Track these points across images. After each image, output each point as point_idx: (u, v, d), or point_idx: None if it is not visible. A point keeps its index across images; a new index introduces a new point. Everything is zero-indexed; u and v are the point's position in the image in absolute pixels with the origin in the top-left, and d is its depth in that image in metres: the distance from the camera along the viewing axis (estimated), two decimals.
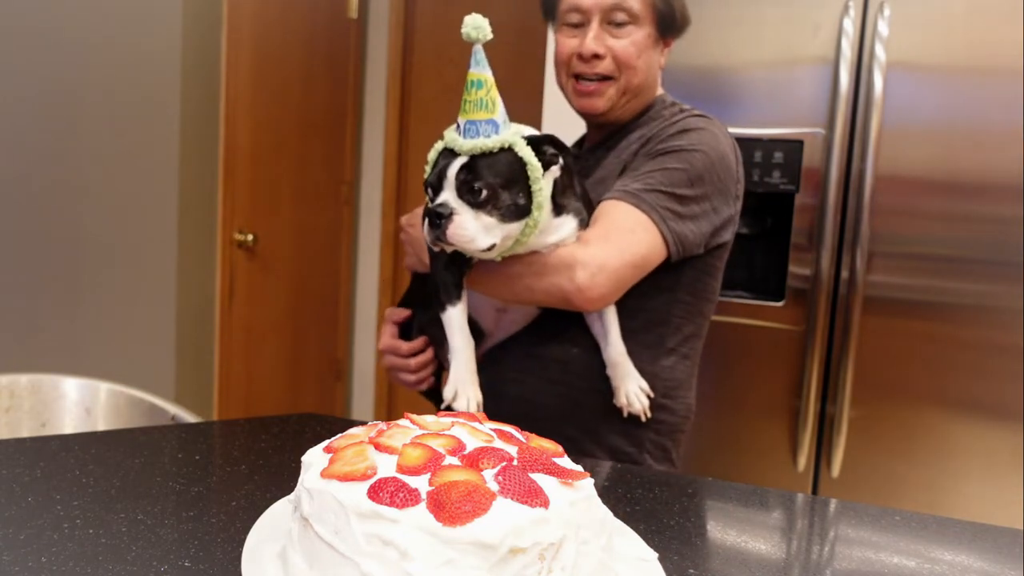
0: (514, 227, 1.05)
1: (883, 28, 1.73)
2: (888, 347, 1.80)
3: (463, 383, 1.12)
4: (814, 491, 1.87)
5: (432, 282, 1.17)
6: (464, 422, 0.70)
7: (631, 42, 1.21)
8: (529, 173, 1.04)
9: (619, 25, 1.21)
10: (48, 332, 2.14)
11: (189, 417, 1.32)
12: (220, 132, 2.63)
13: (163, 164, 2.39)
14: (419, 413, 0.73)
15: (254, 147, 2.79)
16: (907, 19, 1.74)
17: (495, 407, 1.19)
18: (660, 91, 1.33)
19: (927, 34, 1.74)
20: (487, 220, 1.02)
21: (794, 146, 1.83)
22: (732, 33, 1.87)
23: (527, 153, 1.04)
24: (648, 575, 0.68)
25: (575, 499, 0.61)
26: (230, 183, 2.68)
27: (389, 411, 3.41)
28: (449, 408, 1.12)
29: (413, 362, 1.32)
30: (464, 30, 1.01)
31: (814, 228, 1.83)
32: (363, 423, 0.74)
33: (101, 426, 1.41)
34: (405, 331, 1.35)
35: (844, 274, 1.81)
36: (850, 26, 1.76)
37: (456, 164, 1.02)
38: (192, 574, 0.68)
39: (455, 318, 1.14)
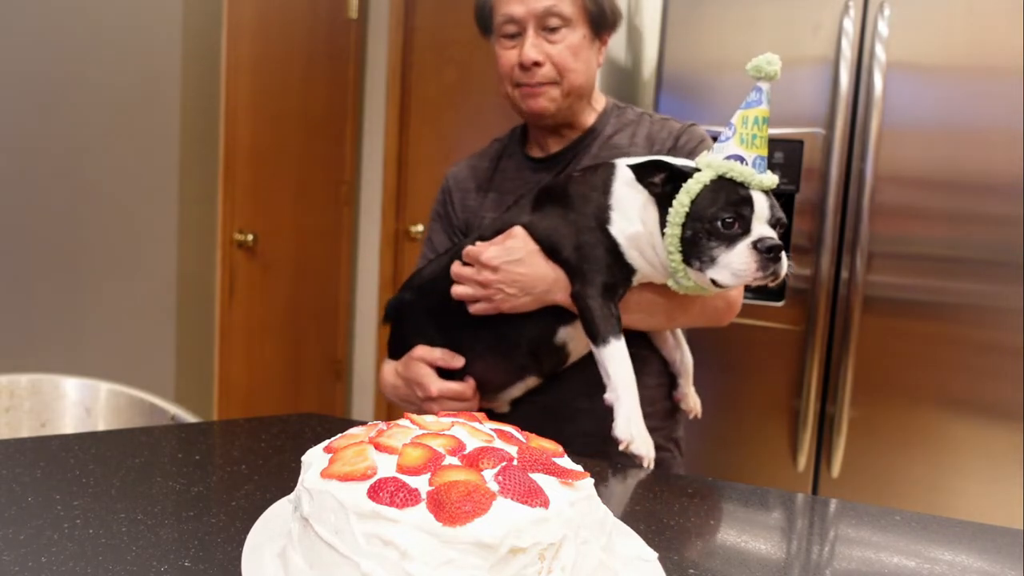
0: None
1: (883, 28, 1.73)
2: (888, 347, 1.80)
3: (636, 423, 1.08)
4: (814, 491, 1.87)
5: (587, 312, 1.10)
6: (464, 422, 0.70)
7: (567, 46, 1.22)
8: None
9: (553, 30, 1.22)
10: (48, 332, 2.14)
11: (189, 417, 1.32)
12: (220, 132, 2.63)
13: (163, 164, 2.39)
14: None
15: (254, 147, 2.79)
16: (907, 19, 1.74)
17: (570, 426, 1.20)
18: (603, 96, 1.35)
19: (927, 34, 1.74)
20: None
21: (794, 146, 1.84)
22: (731, 33, 1.87)
23: None
24: (648, 575, 0.68)
25: (575, 499, 0.61)
26: (230, 183, 2.68)
27: (389, 411, 3.41)
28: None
29: (476, 403, 1.24)
30: (771, 68, 1.02)
31: (814, 228, 1.83)
32: (363, 423, 0.74)
33: (101, 426, 1.41)
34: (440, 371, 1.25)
35: (844, 274, 1.81)
36: (850, 26, 1.76)
37: (763, 198, 1.02)
38: (192, 574, 0.68)
39: (621, 351, 1.09)
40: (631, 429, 1.06)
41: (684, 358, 1.28)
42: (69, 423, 1.41)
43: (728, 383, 1.94)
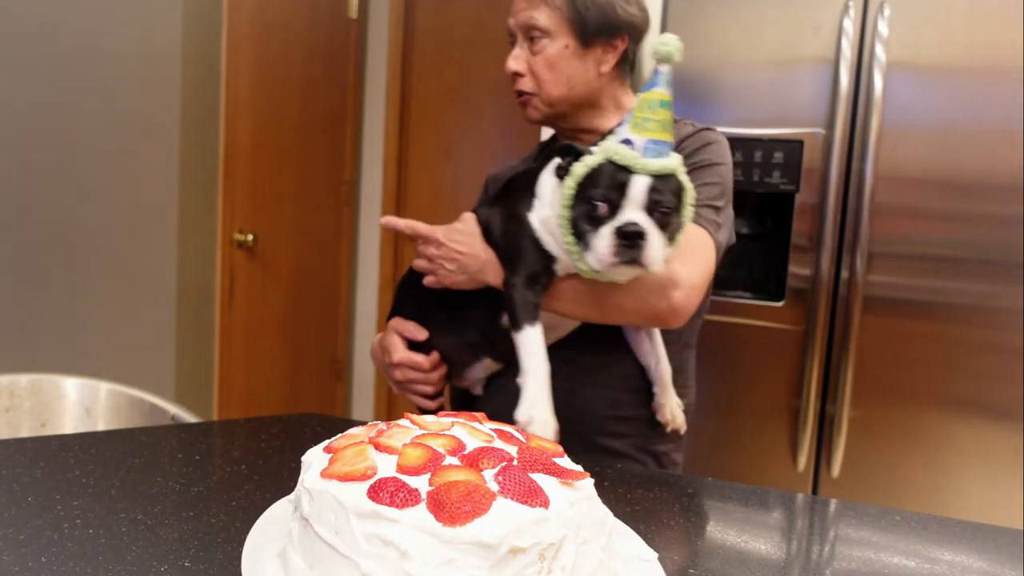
0: (669, 250, 1.05)
1: (883, 28, 1.73)
2: (888, 347, 1.80)
3: (539, 407, 1.08)
4: (814, 491, 1.87)
5: (507, 299, 1.13)
6: (464, 422, 0.70)
7: (544, 57, 1.24)
8: (684, 199, 1.04)
9: (535, 41, 1.24)
10: (48, 332, 2.14)
11: (189, 417, 1.32)
12: (220, 132, 2.63)
13: (163, 164, 2.39)
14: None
15: (254, 147, 2.79)
16: (907, 19, 1.74)
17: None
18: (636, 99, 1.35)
19: (927, 34, 1.74)
20: (663, 241, 1.02)
21: (794, 146, 1.83)
22: (732, 33, 1.87)
23: (686, 179, 1.04)
24: (648, 575, 0.68)
25: (575, 499, 0.61)
26: (230, 183, 2.68)
27: (389, 411, 3.41)
28: None
29: (435, 376, 1.29)
30: (665, 49, 1.00)
31: (814, 228, 1.83)
32: (363, 423, 0.74)
33: (101, 426, 1.41)
34: (413, 344, 1.31)
35: (844, 274, 1.81)
36: (850, 26, 1.76)
37: (642, 182, 0.99)
38: (192, 574, 0.68)
39: (534, 338, 1.11)
40: (531, 412, 1.08)
41: (659, 366, 1.24)
42: (69, 423, 1.41)
43: (728, 383, 1.94)
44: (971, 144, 1.72)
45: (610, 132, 1.31)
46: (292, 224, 3.05)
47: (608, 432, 1.27)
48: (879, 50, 1.73)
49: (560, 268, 1.13)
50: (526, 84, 1.26)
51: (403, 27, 3.28)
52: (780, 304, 1.88)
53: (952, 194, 1.74)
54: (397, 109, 3.31)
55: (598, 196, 1.01)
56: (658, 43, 1.01)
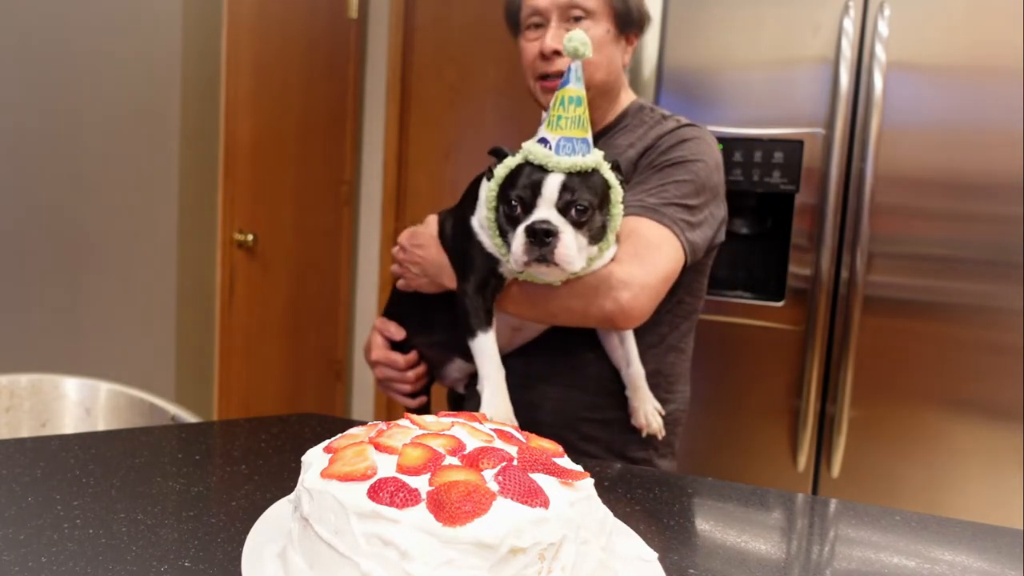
0: (594, 249, 1.05)
1: (883, 28, 1.73)
2: (888, 347, 1.80)
3: (498, 412, 1.09)
4: (814, 491, 1.87)
5: (460, 306, 1.14)
6: (464, 422, 0.70)
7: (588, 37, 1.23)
8: (612, 196, 1.04)
9: (576, 21, 1.22)
10: (48, 332, 2.14)
11: (189, 417, 1.32)
12: (220, 132, 2.63)
13: (163, 164, 2.39)
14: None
15: (254, 147, 2.79)
16: (907, 19, 1.74)
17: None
18: (632, 95, 1.34)
19: (927, 34, 1.74)
20: (581, 240, 1.01)
21: (794, 146, 1.83)
22: (732, 33, 1.87)
23: (611, 176, 1.04)
24: (648, 575, 0.68)
25: (575, 499, 0.61)
26: (230, 183, 2.68)
27: (389, 411, 3.41)
28: None
29: (411, 375, 1.31)
30: (570, 45, 1.01)
31: (814, 228, 1.83)
32: (363, 423, 0.74)
33: (101, 426, 1.41)
34: (396, 344, 1.33)
35: (844, 274, 1.81)
36: (850, 26, 1.76)
37: (555, 180, 0.99)
38: (192, 574, 0.68)
39: (487, 345, 1.11)
40: (488, 415, 1.08)
41: (629, 369, 1.23)
42: (69, 423, 1.40)
43: (728, 383, 1.94)
44: (971, 144, 1.72)
45: (607, 127, 1.31)
46: (292, 224, 3.05)
47: (581, 434, 1.26)
48: (879, 50, 1.73)
49: (506, 271, 1.12)
50: (566, 63, 1.22)
51: (403, 27, 3.27)
52: (780, 304, 1.88)
53: (952, 194, 1.74)
54: (397, 109, 3.31)
55: (514, 196, 1.01)
56: (564, 39, 1.02)
